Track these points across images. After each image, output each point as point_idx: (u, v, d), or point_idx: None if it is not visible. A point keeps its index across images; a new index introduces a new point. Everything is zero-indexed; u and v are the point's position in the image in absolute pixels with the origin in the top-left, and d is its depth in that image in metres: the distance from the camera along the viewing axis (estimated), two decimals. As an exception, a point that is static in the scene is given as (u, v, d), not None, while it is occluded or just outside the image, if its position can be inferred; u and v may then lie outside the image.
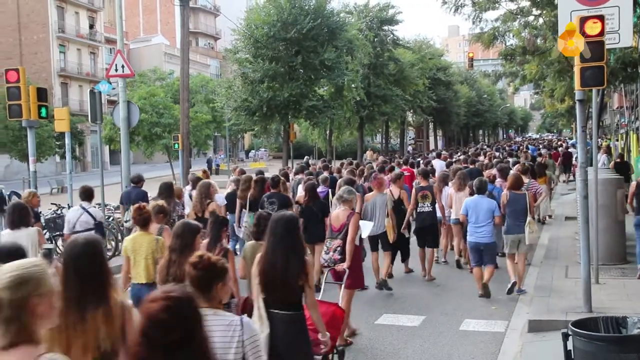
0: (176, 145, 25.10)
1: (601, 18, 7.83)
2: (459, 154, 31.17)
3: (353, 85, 36.12)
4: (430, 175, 13.92)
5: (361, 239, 8.07)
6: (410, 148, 63.42)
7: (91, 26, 61.71)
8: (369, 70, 41.90)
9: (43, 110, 14.34)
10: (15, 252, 4.10)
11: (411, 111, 55.34)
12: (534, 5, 17.01)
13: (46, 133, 38.41)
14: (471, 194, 10.57)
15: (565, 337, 5.00)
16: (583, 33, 7.76)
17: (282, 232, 4.82)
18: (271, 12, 32.09)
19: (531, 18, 17.63)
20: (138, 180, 12.70)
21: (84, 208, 9.90)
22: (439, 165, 19.59)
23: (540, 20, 17.34)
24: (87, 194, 10.12)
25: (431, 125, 71.35)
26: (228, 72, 44.34)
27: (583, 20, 7.81)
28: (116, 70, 15.51)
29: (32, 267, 2.55)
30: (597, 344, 4.77)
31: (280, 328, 4.67)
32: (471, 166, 15.58)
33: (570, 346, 4.99)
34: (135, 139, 35.91)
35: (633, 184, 11.67)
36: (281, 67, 31.90)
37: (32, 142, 14.58)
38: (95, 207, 10.57)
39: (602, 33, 7.78)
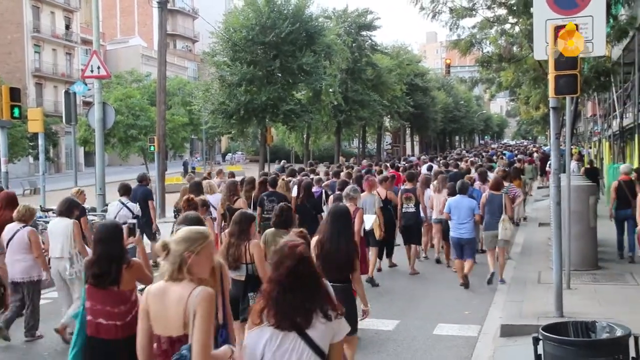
0: (152, 148, 24.91)
1: (575, 27, 7.93)
2: (438, 159, 31.68)
3: (331, 90, 36.22)
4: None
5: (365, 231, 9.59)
6: (385, 154, 63.61)
7: (67, 26, 61.06)
8: (347, 75, 42.04)
9: (16, 110, 14.18)
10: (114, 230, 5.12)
11: (388, 116, 55.59)
12: (510, 13, 17.17)
13: (19, 133, 37.89)
14: (450, 195, 11.34)
15: (536, 341, 5.05)
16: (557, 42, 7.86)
17: (342, 220, 5.98)
18: (250, 16, 32.06)
19: (508, 26, 17.80)
20: (143, 179, 13.54)
21: (123, 203, 11.13)
22: (435, 168, 19.95)
23: (517, 29, 17.51)
24: (125, 190, 11.38)
25: (408, 131, 71.74)
26: (206, 75, 44.18)
27: (557, 29, 7.91)
28: (92, 71, 15.36)
29: (193, 232, 3.69)
30: (567, 348, 4.83)
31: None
32: (455, 170, 16.98)
33: (540, 350, 5.03)
34: (110, 140, 35.61)
35: (615, 183, 11.97)
36: (259, 70, 31.86)
37: (4, 142, 14.41)
38: (131, 202, 11.54)
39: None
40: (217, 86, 33.09)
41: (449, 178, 13.54)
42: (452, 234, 10.86)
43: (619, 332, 4.89)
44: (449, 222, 10.95)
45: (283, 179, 13.19)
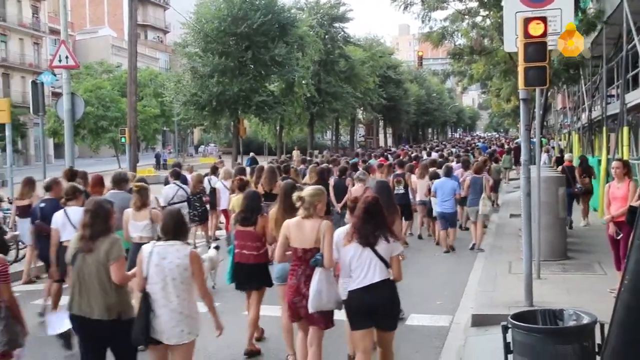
0: (123, 139, 24.62)
1: (544, 20, 8.01)
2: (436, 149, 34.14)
3: (304, 82, 36.15)
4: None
5: None
6: (358, 146, 63.74)
7: (34, 15, 59.90)
8: (320, 67, 42.00)
9: (-18, 101, 13.86)
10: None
11: (361, 108, 55.75)
12: (481, 6, 17.33)
13: (-14, 125, 37.11)
14: (431, 179, 13.73)
15: (505, 329, 5.11)
16: (526, 34, 7.94)
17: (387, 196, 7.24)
18: (221, 7, 31.83)
19: (479, 19, 17.97)
20: (178, 167, 15.92)
21: (178, 185, 13.27)
22: (433, 157, 23.18)
23: (488, 21, 17.68)
24: (177, 175, 13.71)
25: (381, 123, 72.01)
26: (177, 66, 43.74)
27: (527, 22, 7.98)
28: (60, 61, 15.09)
29: (317, 189, 6.13)
30: (535, 335, 4.89)
31: None
32: (440, 159, 19.87)
33: (509, 338, 5.10)
34: (80, 132, 35.12)
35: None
36: (231, 61, 31.67)
37: (-30, 133, 14.09)
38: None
39: (544, 34, 7.96)
40: (189, 77, 32.84)
41: (463, 163, 16.05)
42: (437, 209, 13.15)
43: (585, 320, 4.98)
44: (434, 199, 13.33)
45: (294, 168, 16.01)
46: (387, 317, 5.58)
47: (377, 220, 5.48)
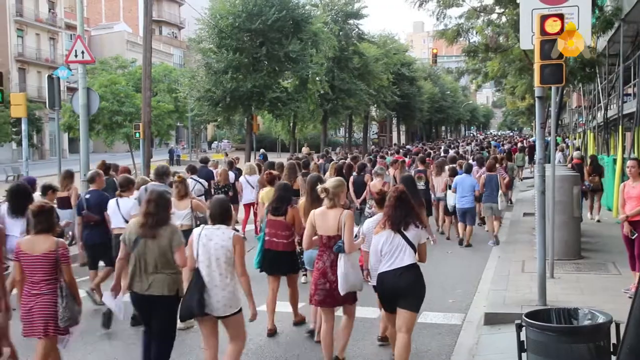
0: (137, 135, 24.72)
1: (561, 17, 7.95)
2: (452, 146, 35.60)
3: (317, 78, 36.10)
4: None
5: None
6: (371, 143, 63.62)
7: (51, 11, 60.28)
8: (334, 64, 41.86)
9: (-1, 95, 13.98)
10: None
11: (375, 106, 55.52)
12: (497, 3, 17.20)
13: (2, 119, 37.44)
14: (451, 176, 14.38)
15: (519, 327, 5.08)
16: (543, 31, 7.88)
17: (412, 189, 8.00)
18: (236, 3, 31.82)
19: (494, 16, 17.83)
20: (206, 161, 17.95)
21: (195, 179, 13.53)
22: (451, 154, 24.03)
23: (503, 19, 17.55)
24: (193, 170, 14.13)
25: (394, 121, 71.78)
26: (191, 62, 43.82)
27: (543, 19, 7.92)
28: (76, 56, 15.18)
29: (339, 181, 6.69)
30: (549, 334, 4.86)
31: None
32: (456, 155, 20.43)
33: (523, 337, 5.07)
34: (95, 127, 35.22)
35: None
36: (245, 58, 31.68)
37: (-13, 127, 14.22)
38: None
39: (561, 31, 7.90)
40: (203, 73, 32.87)
41: (478, 160, 16.68)
42: (457, 204, 13.77)
43: (600, 319, 4.94)
44: (449, 195, 14.14)
45: (315, 163, 17.11)
46: (413, 298, 6.08)
47: (407, 208, 6.09)
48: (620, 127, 17.15)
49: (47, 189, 10.08)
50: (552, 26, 7.87)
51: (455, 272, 11.17)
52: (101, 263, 9.30)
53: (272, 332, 7.71)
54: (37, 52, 58.08)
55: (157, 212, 5.85)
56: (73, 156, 44.02)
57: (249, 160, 26.12)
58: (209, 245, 5.65)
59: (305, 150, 41.00)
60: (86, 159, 15.48)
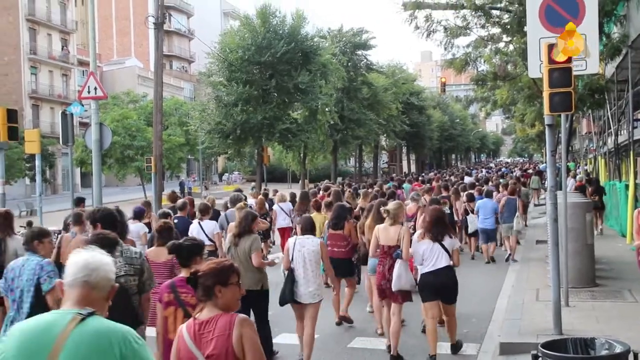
0: (149, 168, 24.90)
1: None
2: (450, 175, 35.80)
3: (327, 109, 36.32)
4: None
5: None
6: (381, 172, 63.61)
7: (63, 48, 61.25)
8: (343, 94, 42.15)
9: (13, 132, 14.14)
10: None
11: (384, 135, 55.69)
12: (504, 32, 17.30)
13: (16, 155, 37.84)
14: (469, 200, 16.05)
15: (535, 358, 5.03)
16: (551, 60, 7.93)
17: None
18: (246, 36, 32.26)
19: (502, 45, 17.92)
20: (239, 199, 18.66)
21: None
22: (468, 180, 25.62)
23: (511, 47, 17.63)
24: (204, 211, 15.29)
25: (404, 149, 71.87)
26: (202, 95, 44.27)
27: (551, 47, 7.98)
28: (88, 92, 15.35)
29: (398, 204, 8.57)
30: (567, 365, 4.81)
31: None
32: (475, 182, 22.40)
33: (540, 368, 5.01)
34: (107, 161, 35.56)
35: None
36: (255, 90, 31.97)
37: (1, 163, 14.37)
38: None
39: (569, 60, 7.95)
40: (214, 106, 33.18)
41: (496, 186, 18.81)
42: (480, 225, 15.18)
43: (618, 349, 4.88)
44: (471, 218, 15.46)
45: (350, 191, 17.47)
46: (449, 293, 7.75)
47: (442, 223, 7.79)
48: (631, 152, 17.10)
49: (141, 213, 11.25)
50: (560, 55, 7.91)
51: (470, 300, 11.06)
52: None
53: (339, 323, 9.50)
54: (50, 89, 58.91)
55: (242, 225, 7.67)
56: (85, 190, 44.30)
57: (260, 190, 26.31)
58: (302, 250, 7.49)
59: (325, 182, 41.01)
60: (99, 193, 15.59)
